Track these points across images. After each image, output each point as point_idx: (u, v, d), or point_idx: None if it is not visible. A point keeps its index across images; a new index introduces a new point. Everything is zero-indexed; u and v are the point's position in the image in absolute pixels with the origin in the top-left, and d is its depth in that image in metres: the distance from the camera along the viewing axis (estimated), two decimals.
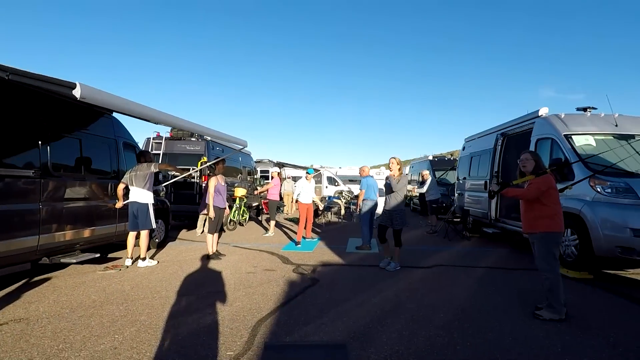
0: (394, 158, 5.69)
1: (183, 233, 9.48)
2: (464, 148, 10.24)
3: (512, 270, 5.60)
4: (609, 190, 4.83)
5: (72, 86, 3.92)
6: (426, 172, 10.08)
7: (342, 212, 11.87)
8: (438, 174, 13.42)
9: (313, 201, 9.52)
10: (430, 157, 15.43)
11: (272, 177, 9.40)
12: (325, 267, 5.81)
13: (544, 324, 3.44)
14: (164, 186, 7.74)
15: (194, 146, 9.86)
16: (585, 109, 6.50)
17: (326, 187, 24.13)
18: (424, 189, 9.71)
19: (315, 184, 26.53)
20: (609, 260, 4.89)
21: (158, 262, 5.92)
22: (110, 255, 6.30)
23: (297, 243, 7.64)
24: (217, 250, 6.37)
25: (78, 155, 5.13)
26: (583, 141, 5.66)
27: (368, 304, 4.01)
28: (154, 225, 5.87)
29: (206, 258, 6.18)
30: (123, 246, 6.01)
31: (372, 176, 7.77)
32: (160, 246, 7.29)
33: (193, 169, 9.48)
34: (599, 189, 4.90)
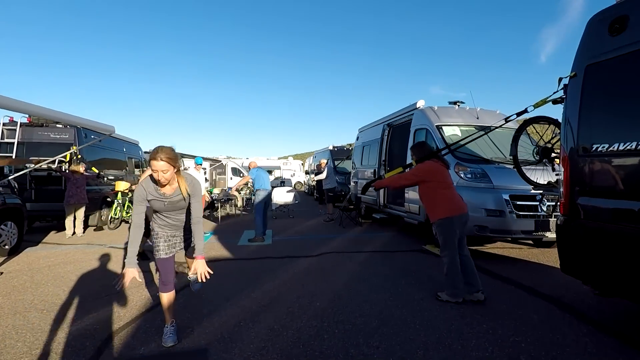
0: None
1: (51, 236, 8.13)
2: (357, 138, 10.67)
3: (392, 252, 5.95)
4: (469, 175, 5.39)
5: None
6: (323, 161, 10.25)
7: (239, 203, 11.49)
8: (338, 163, 13.84)
9: (205, 193, 9.01)
10: (331, 147, 15.87)
11: None
12: (210, 263, 5.38)
13: (408, 302, 3.65)
14: (13, 179, 6.47)
15: (60, 134, 8.42)
16: (455, 103, 7.20)
17: (230, 178, 23.33)
18: (322, 176, 9.89)
19: (219, 175, 25.48)
20: (471, 237, 5.47)
21: (2, 273, 4.91)
22: None
23: None
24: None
25: None
26: (451, 131, 6.24)
27: (246, 300, 3.82)
28: None
29: (66, 263, 5.33)
30: None
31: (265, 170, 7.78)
32: (14, 253, 6.11)
33: (62, 161, 8.19)
34: (461, 175, 5.43)
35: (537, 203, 4.95)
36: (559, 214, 3.18)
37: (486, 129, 6.11)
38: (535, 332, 2.95)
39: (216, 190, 12.95)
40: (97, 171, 8.82)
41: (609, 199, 2.69)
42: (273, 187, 13.36)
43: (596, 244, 2.80)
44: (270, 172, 29.47)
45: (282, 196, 10.87)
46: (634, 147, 2.49)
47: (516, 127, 6.37)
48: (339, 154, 14.76)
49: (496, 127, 4.67)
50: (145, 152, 15.12)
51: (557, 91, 3.19)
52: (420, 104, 6.98)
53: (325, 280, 4.45)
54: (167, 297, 2.92)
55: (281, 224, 9.36)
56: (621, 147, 2.58)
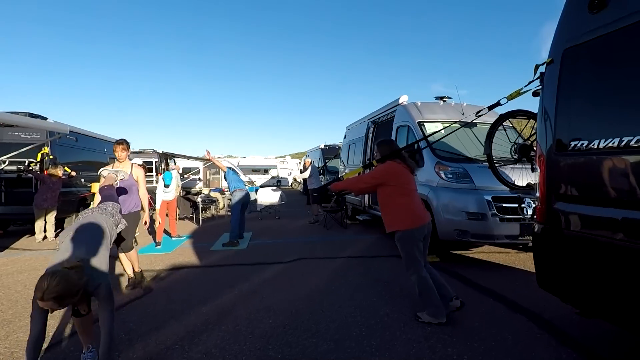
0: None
1: (22, 240, 7.82)
2: (345, 136, 10.28)
3: (371, 258, 5.57)
4: (450, 175, 4.99)
5: None
6: (308, 160, 9.88)
7: (221, 205, 11.12)
8: (327, 162, 13.49)
9: (187, 196, 8.76)
10: (322, 146, 15.50)
11: None
12: (173, 271, 5.09)
13: (371, 319, 3.27)
14: None
15: (32, 134, 8.10)
16: (441, 98, 6.80)
17: (224, 178, 23.02)
18: (305, 175, 9.55)
19: (214, 175, 25.12)
20: (455, 242, 5.06)
21: None
22: None
23: (157, 244, 6.74)
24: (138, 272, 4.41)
25: None
26: (433, 128, 5.83)
27: (194, 315, 3.45)
28: None
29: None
30: None
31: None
32: None
33: (32, 162, 7.91)
34: (442, 175, 5.04)
35: (523, 205, 4.55)
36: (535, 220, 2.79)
37: (471, 125, 5.73)
38: (506, 358, 2.56)
39: (205, 191, 12.63)
40: (69, 171, 8.47)
41: (588, 205, 2.30)
42: (261, 186, 13.03)
43: (575, 257, 2.41)
44: (266, 171, 29.20)
45: (268, 196, 10.49)
46: (616, 144, 2.09)
47: (510, 123, 6.02)
48: (330, 152, 14.39)
49: (467, 123, 4.32)
50: (134, 152, 14.81)
51: (533, 80, 2.78)
52: (403, 99, 6.58)
53: (289, 291, 4.08)
54: (80, 321, 2.55)
55: (264, 226, 9.00)
56: (602, 145, 2.17)
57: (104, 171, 3.92)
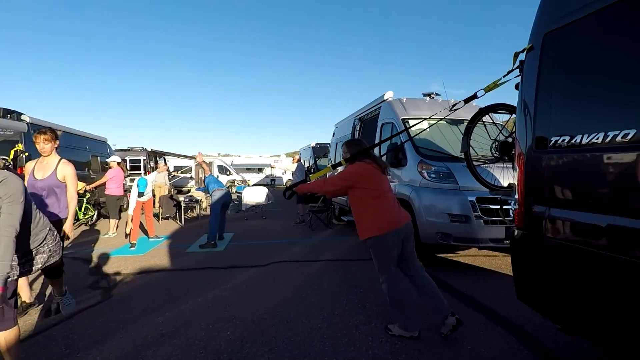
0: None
1: None
2: (334, 134, 10.00)
3: (351, 261, 5.32)
4: (433, 175, 4.72)
5: None
6: (296, 157, 9.62)
7: (204, 205, 10.81)
8: (317, 160, 13.26)
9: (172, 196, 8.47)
10: (313, 145, 15.26)
11: (111, 168, 7.84)
12: (140, 275, 4.81)
13: (338, 331, 3.00)
14: None
15: (4, 130, 7.79)
16: (429, 95, 6.53)
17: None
18: (293, 168, 9.34)
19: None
20: (439, 245, 4.79)
21: None
22: None
23: (131, 245, 6.44)
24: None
25: None
26: (418, 125, 5.55)
27: (147, 326, 3.17)
28: None
29: None
30: None
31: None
32: None
33: (5, 159, 7.58)
34: (425, 174, 4.77)
35: (509, 207, 4.28)
36: (514, 225, 2.52)
37: (457, 122, 5.48)
38: None
39: (194, 192, 12.32)
40: None
41: (570, 209, 2.03)
42: (250, 185, 12.71)
43: (556, 267, 2.15)
44: (260, 170, 28.93)
45: (254, 195, 10.21)
46: (600, 139, 1.82)
47: (505, 121, 5.77)
48: (321, 151, 14.12)
49: (442, 119, 4.08)
50: (122, 150, 14.53)
51: (512, 70, 2.51)
52: (389, 95, 6.31)
53: (256, 298, 3.80)
54: (3, 337, 2.26)
55: (248, 227, 8.71)
56: (585, 141, 1.91)
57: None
